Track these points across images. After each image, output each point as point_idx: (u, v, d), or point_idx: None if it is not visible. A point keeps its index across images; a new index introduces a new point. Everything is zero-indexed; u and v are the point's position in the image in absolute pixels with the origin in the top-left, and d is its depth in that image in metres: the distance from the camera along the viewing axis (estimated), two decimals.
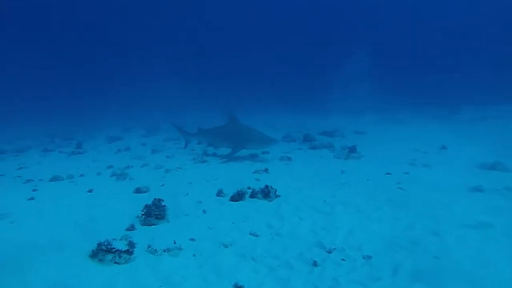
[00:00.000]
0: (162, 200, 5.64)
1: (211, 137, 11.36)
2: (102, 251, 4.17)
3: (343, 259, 4.13)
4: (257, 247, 4.49)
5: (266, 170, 8.64)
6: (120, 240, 4.68)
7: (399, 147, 11.44)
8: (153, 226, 5.25)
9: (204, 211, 5.94)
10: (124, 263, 4.10)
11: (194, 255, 4.32)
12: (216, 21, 56.45)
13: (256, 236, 4.85)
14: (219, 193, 6.79)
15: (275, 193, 6.56)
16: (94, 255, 4.21)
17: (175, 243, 4.53)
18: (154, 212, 5.32)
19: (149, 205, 5.41)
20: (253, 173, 8.54)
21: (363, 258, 4.15)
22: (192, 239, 4.76)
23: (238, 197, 6.44)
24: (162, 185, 7.78)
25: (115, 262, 4.10)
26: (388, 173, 8.09)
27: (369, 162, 9.52)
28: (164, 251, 4.36)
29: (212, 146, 11.48)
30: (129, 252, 4.20)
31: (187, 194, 6.91)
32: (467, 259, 4.06)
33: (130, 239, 4.56)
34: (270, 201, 6.38)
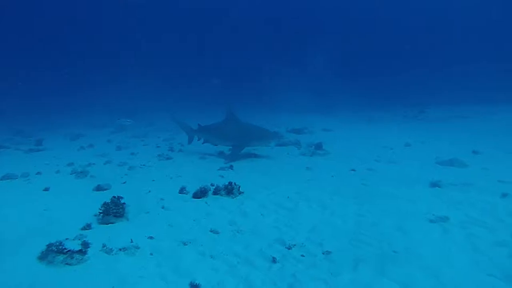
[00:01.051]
0: (122, 197, 5.45)
1: (209, 135, 10.76)
2: (53, 252, 3.95)
3: (302, 255, 4.10)
4: (217, 245, 4.41)
5: (231, 167, 8.57)
6: (73, 240, 4.46)
7: (366, 144, 11.64)
8: (110, 225, 5.05)
9: (165, 209, 5.80)
10: (76, 264, 3.90)
11: (151, 254, 4.18)
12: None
13: (217, 233, 4.76)
14: (182, 190, 6.66)
15: (239, 189, 6.49)
16: (43, 257, 3.97)
17: (132, 241, 4.37)
18: (113, 210, 5.12)
19: (108, 203, 5.21)
20: (218, 169, 8.46)
21: (323, 253, 4.15)
22: (151, 237, 4.61)
23: (201, 194, 6.33)
24: (124, 183, 7.56)
25: (67, 264, 3.90)
26: (353, 170, 8.19)
27: (335, 158, 9.62)
28: (120, 250, 4.19)
29: (210, 143, 10.92)
30: (82, 252, 4.01)
31: (149, 192, 6.73)
32: (428, 253, 4.12)
33: (84, 239, 4.37)
34: (233, 197, 6.30)
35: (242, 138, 9.94)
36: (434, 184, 6.86)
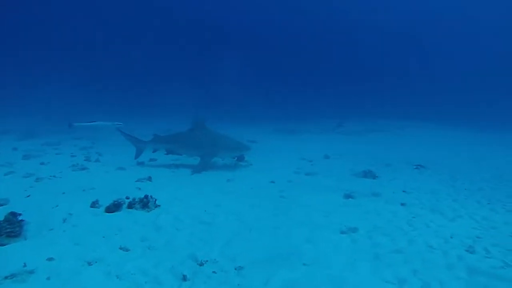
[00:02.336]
0: (20, 214, 4.94)
1: (173, 144, 10.23)
2: None
3: (214, 272, 4.03)
4: (126, 263, 4.15)
5: (149, 178, 8.24)
6: None
7: (287, 156, 12.00)
8: (1, 247, 4.50)
9: (72, 225, 5.35)
10: None
11: (48, 279, 3.78)
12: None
13: (127, 250, 4.49)
14: (94, 204, 6.22)
15: (155, 203, 6.25)
16: None
17: (25, 265, 3.93)
18: (6, 230, 4.57)
19: (0, 221, 4.67)
20: (136, 181, 8.09)
21: (235, 269, 4.11)
22: (51, 259, 4.20)
23: (114, 208, 5.97)
24: (28, 196, 6.87)
25: None
26: (272, 181, 8.34)
27: (257, 170, 9.75)
28: (7, 278, 3.67)
29: (173, 154, 10.42)
30: None
31: (57, 206, 6.17)
32: (337, 264, 4.26)
33: None
34: (148, 211, 6.03)
35: (212, 148, 9.70)
36: (348, 196, 7.24)
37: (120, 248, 4.53)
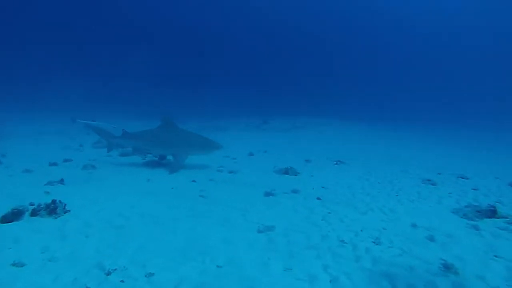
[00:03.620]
0: None
1: (141, 142, 9.70)
2: None
3: (122, 281, 3.81)
4: (17, 281, 3.74)
5: (61, 181, 7.64)
6: None
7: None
8: None
9: None
10: None
11: None
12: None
13: (22, 266, 4.04)
14: None
15: (64, 208, 5.77)
16: None
17: None
18: None
19: None
20: (45, 184, 7.45)
21: (145, 276, 3.93)
22: None
23: (12, 216, 5.37)
24: None
25: None
26: (193, 181, 8.19)
27: (178, 169, 9.50)
28: None
29: (139, 152, 9.89)
30: None
31: None
32: (250, 265, 4.25)
33: None
34: (56, 218, 5.54)
35: (183, 146, 9.42)
36: (268, 193, 7.32)
37: (13, 264, 4.05)
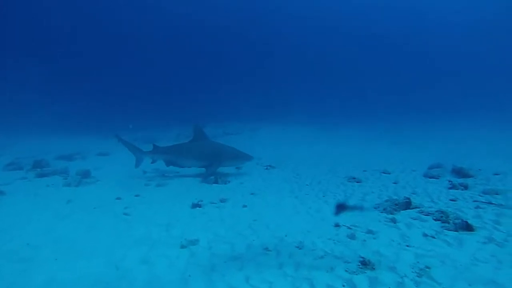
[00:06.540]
0: None
1: (175, 155, 10.00)
2: None
3: None
4: None
5: None
6: None
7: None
8: None
9: None
10: None
11: None
12: None
13: None
14: None
15: None
16: None
17: None
18: None
19: None
20: None
21: None
22: None
23: None
24: None
25: None
26: (118, 198, 7.76)
27: (103, 187, 9.00)
28: None
29: (174, 165, 9.84)
30: None
31: None
32: (169, 285, 4.06)
33: None
34: None
35: (215, 158, 9.83)
36: (195, 205, 7.11)
37: None
